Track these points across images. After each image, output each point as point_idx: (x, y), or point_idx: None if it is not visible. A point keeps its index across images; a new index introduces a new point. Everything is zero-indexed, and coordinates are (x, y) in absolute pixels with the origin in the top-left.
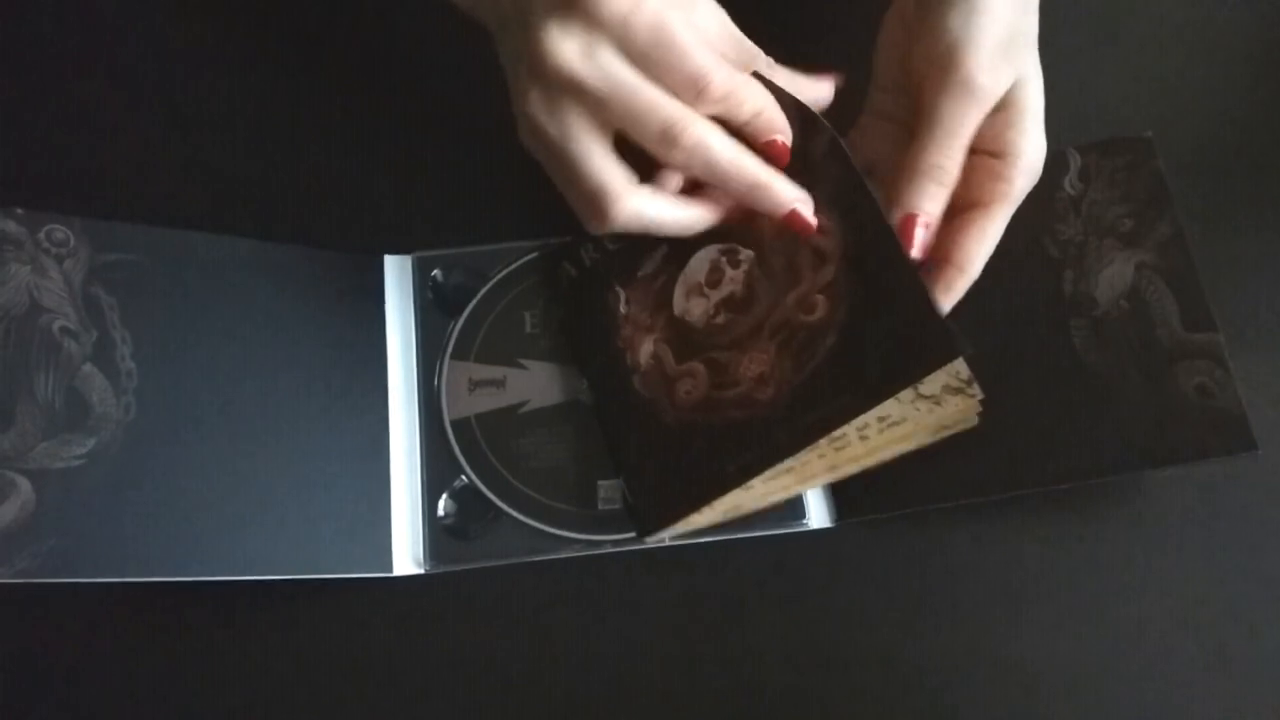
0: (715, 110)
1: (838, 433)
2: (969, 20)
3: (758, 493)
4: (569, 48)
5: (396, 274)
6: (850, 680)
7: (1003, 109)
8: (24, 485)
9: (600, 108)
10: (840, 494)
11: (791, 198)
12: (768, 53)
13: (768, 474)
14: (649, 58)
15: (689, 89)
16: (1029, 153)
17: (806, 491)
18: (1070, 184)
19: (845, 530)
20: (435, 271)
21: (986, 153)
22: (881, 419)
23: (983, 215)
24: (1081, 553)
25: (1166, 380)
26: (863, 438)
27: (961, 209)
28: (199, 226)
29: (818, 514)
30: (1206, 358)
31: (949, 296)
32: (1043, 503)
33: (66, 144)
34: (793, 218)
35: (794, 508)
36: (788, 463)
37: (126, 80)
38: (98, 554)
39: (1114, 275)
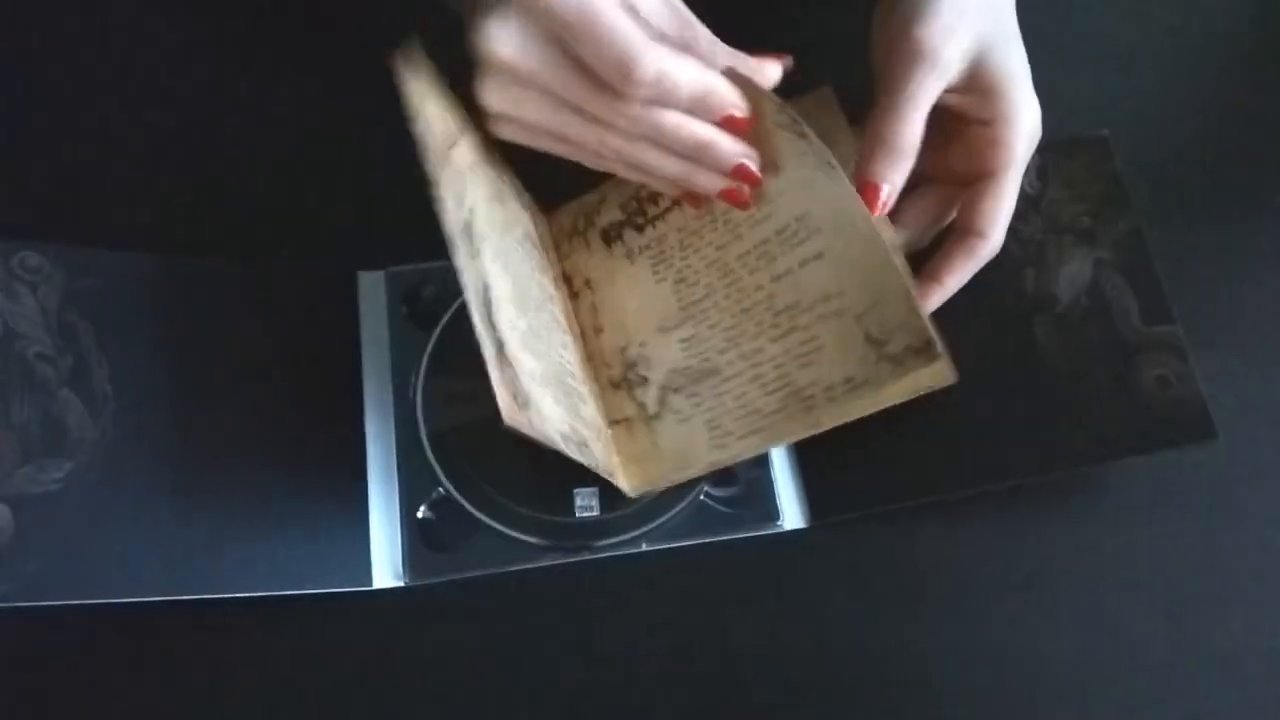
0: (649, 94)
1: (807, 394)
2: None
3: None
4: (502, 36)
5: (370, 290)
6: (826, 678)
7: (979, 78)
8: (3, 511)
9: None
10: (813, 495)
11: (738, 152)
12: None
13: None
14: (574, 41)
15: (615, 74)
16: (1019, 114)
17: (779, 484)
18: (1029, 183)
19: (819, 530)
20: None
21: (979, 122)
22: (847, 380)
23: (992, 182)
24: (1053, 545)
25: (1128, 373)
26: (830, 399)
27: (973, 179)
28: (174, 248)
29: (791, 515)
30: (1166, 350)
31: (973, 261)
32: (1013, 498)
33: (40, 169)
34: (740, 171)
35: (768, 509)
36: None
37: (98, 103)
38: (78, 576)
39: (1074, 272)
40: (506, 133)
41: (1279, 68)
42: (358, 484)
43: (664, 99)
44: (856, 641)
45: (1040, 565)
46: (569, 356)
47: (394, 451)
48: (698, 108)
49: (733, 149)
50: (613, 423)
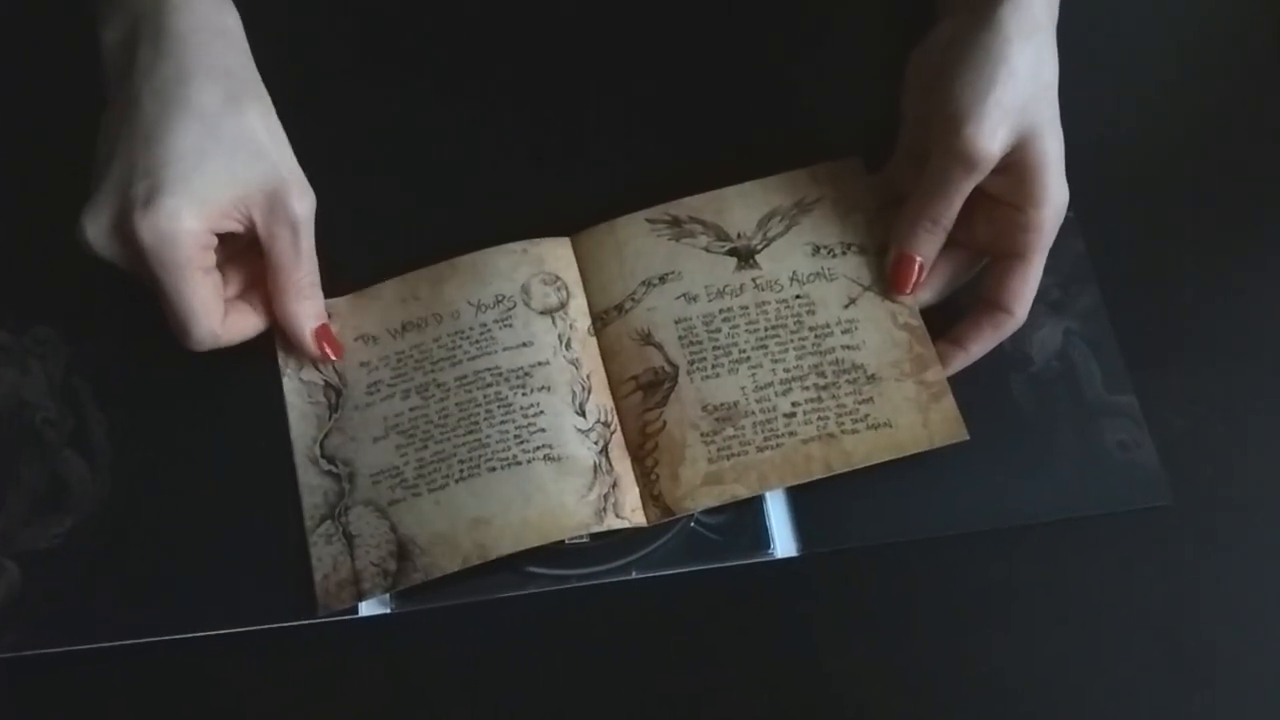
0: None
1: (832, 428)
2: (975, 86)
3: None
4: (92, 231)
5: None
6: (817, 706)
7: (1017, 164)
8: (11, 568)
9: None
10: (804, 523)
11: (303, 334)
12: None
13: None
14: (153, 290)
15: (175, 330)
16: (1051, 201)
17: (770, 513)
18: None
19: (810, 559)
20: None
21: (1011, 205)
22: (867, 416)
23: (1022, 264)
24: (1040, 573)
25: (1092, 435)
26: (853, 431)
27: (1001, 258)
28: None
29: (782, 543)
30: (1125, 417)
31: (999, 334)
32: (998, 536)
33: (45, 249)
34: (317, 339)
35: (759, 538)
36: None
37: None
38: (80, 624)
39: (1045, 337)
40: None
41: (1247, 147)
42: None
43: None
44: (847, 669)
45: (1029, 593)
46: (545, 423)
47: None
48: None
49: (299, 334)
50: (642, 453)
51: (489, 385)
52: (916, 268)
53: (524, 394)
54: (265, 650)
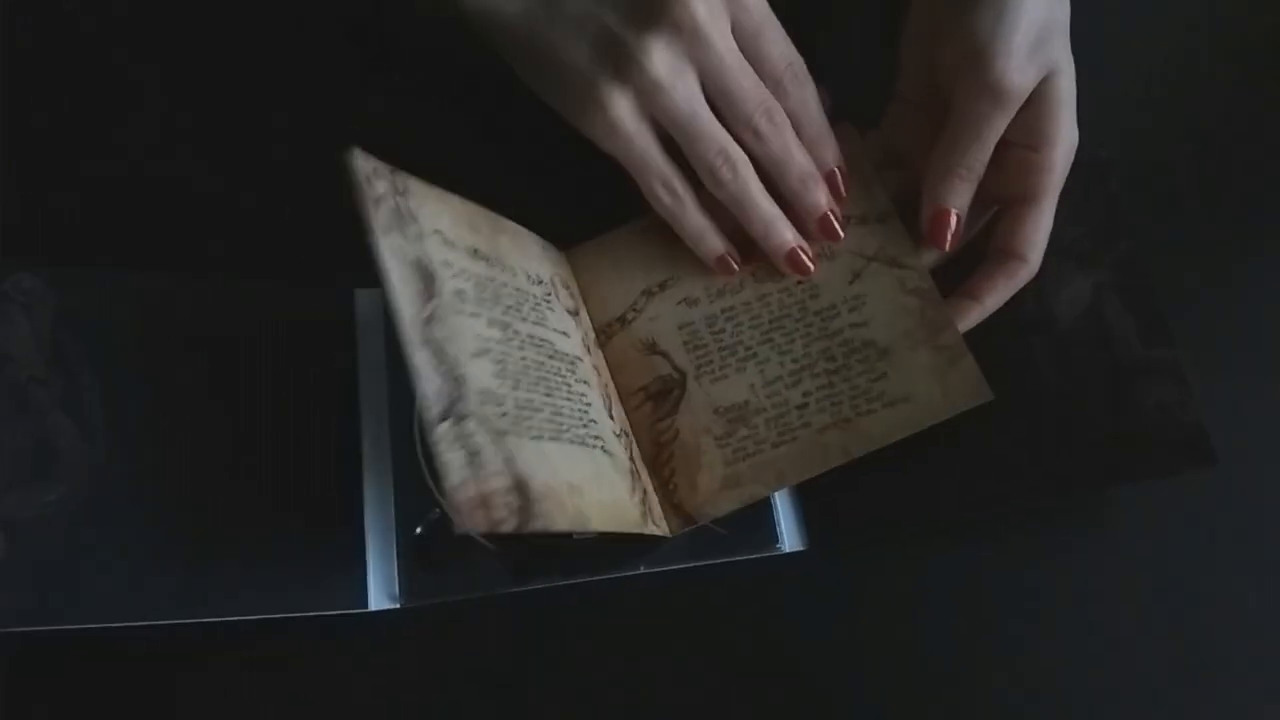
0: (799, 96)
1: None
2: (999, 21)
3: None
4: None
5: (368, 307)
6: (825, 701)
7: (1035, 102)
8: None
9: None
10: (812, 517)
11: (793, 239)
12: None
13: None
14: (757, 27)
15: (785, 66)
16: (1064, 141)
17: (778, 507)
18: None
19: (818, 553)
20: None
21: (1023, 145)
22: (882, 394)
23: (1034, 208)
24: (1052, 567)
25: (1127, 398)
26: (868, 411)
27: (1012, 203)
28: (170, 266)
29: (790, 538)
30: (1165, 374)
31: (1014, 283)
32: (1010, 521)
33: (31, 187)
34: (792, 257)
35: (767, 532)
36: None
37: (89, 118)
38: (71, 601)
39: (1073, 295)
40: (629, 126)
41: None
42: (353, 505)
43: (806, 109)
44: (855, 664)
45: (1040, 588)
46: (594, 415)
47: (390, 472)
48: (816, 144)
49: (828, 197)
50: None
51: (550, 357)
52: (953, 220)
53: (575, 380)
54: (269, 643)
